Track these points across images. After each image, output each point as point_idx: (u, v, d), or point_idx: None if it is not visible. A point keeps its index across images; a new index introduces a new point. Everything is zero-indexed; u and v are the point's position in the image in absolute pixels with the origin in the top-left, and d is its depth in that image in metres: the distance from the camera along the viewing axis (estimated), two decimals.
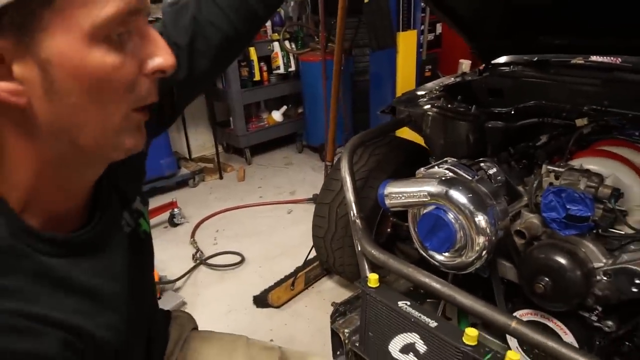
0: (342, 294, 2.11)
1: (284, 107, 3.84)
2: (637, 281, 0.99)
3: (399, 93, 3.02)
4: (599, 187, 1.08)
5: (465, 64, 3.98)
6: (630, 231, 1.10)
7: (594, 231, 1.10)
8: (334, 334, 1.37)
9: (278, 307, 2.06)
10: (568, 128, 1.56)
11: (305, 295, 2.14)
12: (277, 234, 2.64)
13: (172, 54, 0.53)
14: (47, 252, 0.53)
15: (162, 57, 0.52)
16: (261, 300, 2.05)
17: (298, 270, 2.16)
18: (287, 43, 3.56)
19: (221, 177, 3.44)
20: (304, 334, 1.92)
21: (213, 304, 2.07)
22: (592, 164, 1.20)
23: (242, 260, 2.39)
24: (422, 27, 3.41)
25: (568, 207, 1.07)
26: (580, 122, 1.52)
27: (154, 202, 2.81)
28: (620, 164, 1.17)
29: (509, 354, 0.92)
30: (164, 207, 2.74)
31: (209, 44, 0.76)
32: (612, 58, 1.74)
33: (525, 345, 1.21)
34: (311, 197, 2.99)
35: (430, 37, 4.22)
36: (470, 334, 0.96)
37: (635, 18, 1.52)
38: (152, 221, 2.69)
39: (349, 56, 3.58)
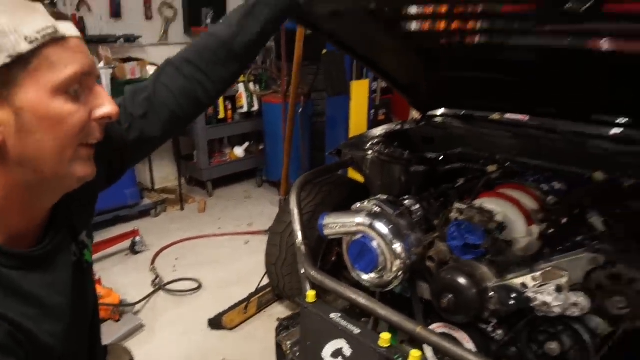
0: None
1: (246, 144, 4.08)
2: (512, 295, 1.25)
3: (351, 135, 3.32)
4: (489, 222, 1.36)
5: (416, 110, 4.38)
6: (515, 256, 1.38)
7: (487, 256, 1.37)
8: (278, 347, 1.57)
9: (231, 329, 2.23)
10: (482, 173, 1.87)
11: (257, 319, 2.32)
12: (234, 263, 2.82)
13: (115, 105, 0.71)
14: (3, 264, 0.65)
15: (107, 107, 0.70)
16: (216, 323, 2.21)
17: (251, 295, 2.34)
18: (251, 85, 3.84)
19: (182, 209, 3.60)
20: (254, 354, 2.09)
21: (170, 326, 2.22)
22: (489, 203, 1.48)
23: (200, 287, 2.55)
24: (375, 76, 3.75)
25: (465, 236, 1.34)
26: (491, 168, 1.83)
27: (117, 230, 2.95)
28: (509, 204, 1.46)
29: (413, 352, 1.16)
30: (126, 235, 2.87)
31: (159, 118, 0.93)
32: (521, 117, 2.09)
33: (436, 351, 1.44)
34: (267, 229, 3.19)
35: (383, 84, 4.60)
36: (384, 338, 1.19)
37: (540, 89, 1.87)
38: (115, 248, 2.82)
39: (308, 99, 3.88)
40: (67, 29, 0.66)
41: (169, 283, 2.54)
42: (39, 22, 0.62)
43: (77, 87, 0.66)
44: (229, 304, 2.29)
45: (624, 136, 1.77)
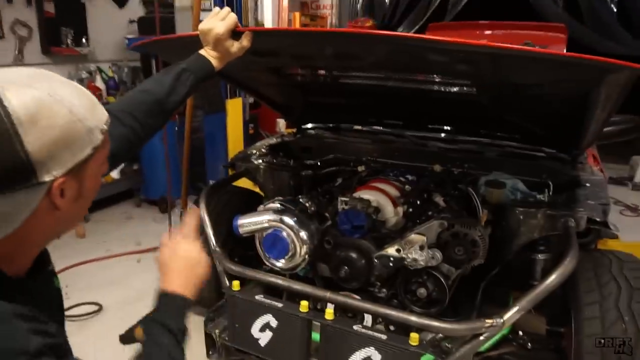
0: (200, 325, 2.47)
1: (121, 165, 4.04)
2: (391, 259, 1.69)
3: (230, 149, 3.59)
4: (367, 208, 1.79)
5: (281, 123, 4.78)
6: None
7: (368, 234, 1.80)
8: (208, 336, 1.79)
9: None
10: (354, 172, 2.32)
11: None
12: (131, 282, 2.86)
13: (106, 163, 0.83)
14: (28, 291, 0.77)
15: (106, 165, 0.83)
16: (128, 337, 2.26)
17: None
18: None
19: (57, 237, 3.45)
20: None
21: (79, 352, 2.22)
22: (365, 194, 1.91)
23: (100, 308, 2.57)
24: (245, 94, 4.06)
25: (352, 220, 1.75)
26: (360, 168, 2.30)
27: None
28: (380, 193, 1.92)
29: (328, 310, 1.51)
30: None
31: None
32: (379, 128, 2.62)
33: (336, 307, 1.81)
34: (158, 245, 3.27)
35: (251, 100, 4.93)
36: (303, 304, 1.53)
37: (389, 107, 2.40)
38: None
39: (183, 117, 4.02)
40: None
41: (67, 309, 2.50)
42: (103, 114, 0.76)
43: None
44: (136, 319, 2.38)
45: (450, 139, 2.39)
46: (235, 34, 1.29)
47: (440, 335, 1.57)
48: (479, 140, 2.31)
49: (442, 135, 2.41)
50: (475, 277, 1.85)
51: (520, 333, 1.90)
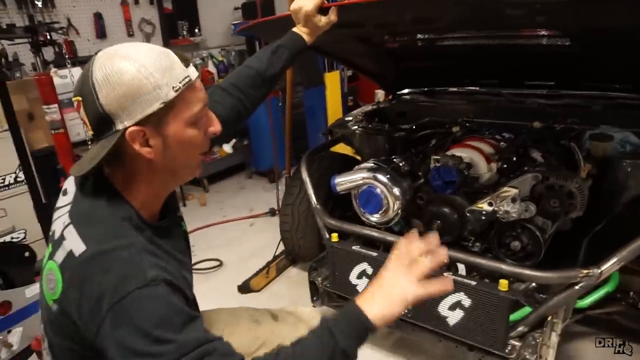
0: (304, 276, 2.71)
1: (233, 141, 4.43)
2: (483, 213, 1.72)
3: (330, 121, 3.75)
4: (459, 164, 1.83)
5: (380, 93, 4.85)
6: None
7: (461, 189, 1.84)
8: (312, 284, 1.99)
9: (258, 291, 2.63)
10: (449, 133, 2.34)
11: (278, 281, 2.73)
12: (245, 242, 3.21)
13: (219, 123, 0.97)
14: (153, 232, 0.93)
15: (216, 127, 0.97)
16: (245, 287, 2.61)
17: (269, 262, 2.75)
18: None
19: (184, 205, 3.94)
20: (285, 305, 2.50)
21: (204, 299, 2.56)
22: (458, 152, 1.95)
23: (221, 264, 2.93)
24: (343, 67, 4.19)
25: (443, 176, 1.81)
26: (454, 129, 2.31)
27: None
28: (473, 150, 1.94)
29: None
30: None
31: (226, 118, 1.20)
32: (474, 88, 2.59)
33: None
34: (268, 211, 3.60)
35: (349, 72, 5.05)
36: None
37: (484, 66, 2.36)
38: None
39: (285, 94, 4.28)
40: (193, 72, 0.90)
41: (194, 264, 2.91)
42: (180, 73, 0.86)
43: (200, 116, 0.92)
44: (251, 273, 2.69)
45: (551, 94, 2.29)
46: (322, 10, 1.42)
47: (533, 285, 1.59)
48: (583, 94, 2.19)
49: (542, 91, 2.32)
50: (579, 233, 1.81)
51: (632, 294, 1.83)
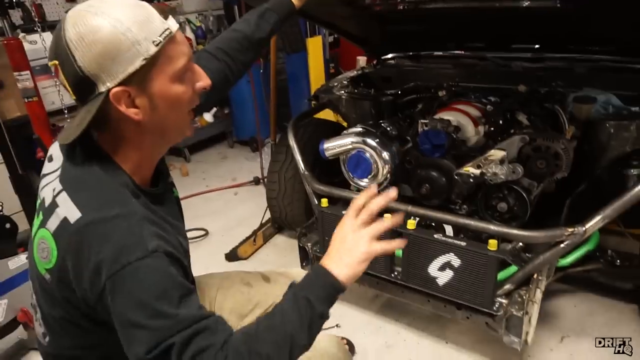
0: (291, 243, 2.73)
1: (214, 109, 4.35)
2: (472, 175, 1.74)
3: (312, 87, 3.71)
4: (447, 127, 1.83)
5: (362, 60, 4.79)
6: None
7: (450, 153, 1.85)
8: (301, 249, 2.00)
9: (246, 259, 2.63)
10: (435, 97, 2.34)
11: (265, 248, 2.74)
12: (230, 211, 3.19)
13: (208, 78, 0.94)
14: (148, 199, 0.91)
15: (204, 81, 0.93)
16: (232, 255, 2.61)
17: (256, 230, 2.75)
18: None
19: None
20: None
21: (192, 267, 2.59)
22: (446, 115, 1.95)
23: (207, 233, 2.92)
24: (325, 32, 4.11)
25: (432, 140, 1.81)
26: (441, 93, 2.30)
27: None
28: (460, 114, 1.94)
29: (409, 222, 1.63)
30: None
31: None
32: (460, 52, 2.57)
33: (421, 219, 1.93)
34: (252, 179, 3.57)
35: (331, 39, 4.96)
36: (386, 216, 1.65)
37: (469, 30, 2.34)
38: None
39: (266, 61, 4.19)
40: (173, 24, 0.85)
41: None
42: (159, 26, 0.82)
43: (185, 71, 0.87)
44: (238, 241, 2.69)
45: (536, 57, 2.29)
46: None
47: (520, 245, 1.63)
48: (567, 57, 2.20)
49: (527, 54, 2.32)
50: (561, 195, 1.85)
51: (609, 252, 1.89)
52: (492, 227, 1.54)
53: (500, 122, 1.97)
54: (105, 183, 0.85)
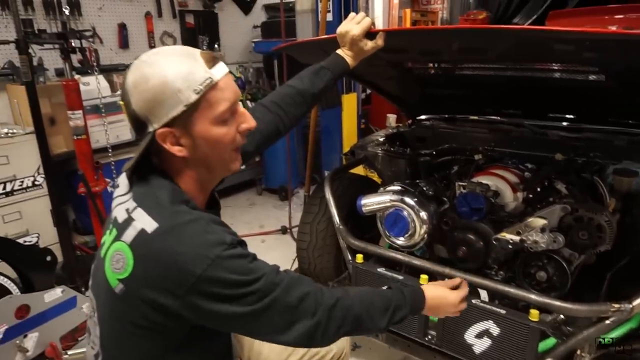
0: None
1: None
2: (510, 241, 1.73)
3: (345, 142, 3.78)
4: (486, 191, 1.84)
5: (392, 118, 4.91)
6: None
7: (487, 217, 1.85)
8: None
9: None
10: (471, 160, 2.36)
11: None
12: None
13: (253, 120, 1.01)
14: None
15: (249, 123, 1.00)
16: None
17: None
18: (248, 102, 4.25)
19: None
20: None
21: None
22: (484, 179, 1.96)
23: None
24: (359, 89, 4.23)
25: (470, 203, 1.82)
26: (477, 156, 2.33)
27: None
28: (498, 179, 1.95)
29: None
30: None
31: (254, 139, 1.25)
32: (496, 117, 2.62)
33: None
34: (279, 228, 3.59)
35: (363, 96, 5.12)
36: (423, 277, 1.65)
37: (507, 97, 2.40)
38: None
39: None
40: (219, 71, 0.92)
41: None
42: (201, 75, 0.89)
43: (229, 114, 0.95)
44: None
45: (574, 127, 2.32)
46: (369, 34, 1.45)
47: (561, 317, 1.58)
48: (606, 129, 2.22)
49: (564, 123, 2.35)
50: (602, 268, 1.81)
51: None
52: (534, 297, 1.51)
53: (539, 189, 1.97)
54: (172, 198, 0.93)
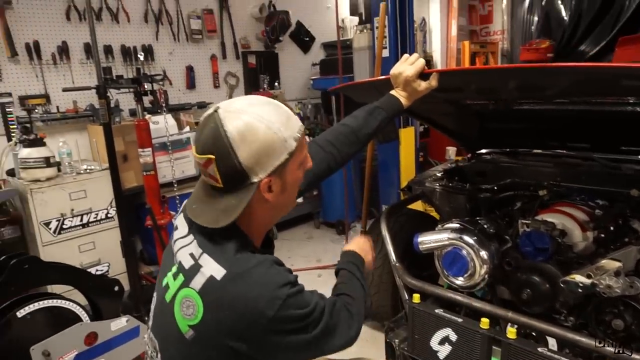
0: (372, 334, 2.63)
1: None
2: (580, 284, 1.61)
3: (402, 176, 3.75)
4: (552, 230, 1.74)
5: (451, 151, 4.81)
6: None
7: (554, 257, 1.74)
8: (389, 345, 1.93)
9: None
10: (535, 196, 2.25)
11: None
12: None
13: (311, 160, 1.06)
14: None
15: (309, 163, 1.05)
16: None
17: None
18: (306, 137, 4.35)
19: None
20: None
21: None
22: (549, 217, 1.86)
23: None
24: (417, 123, 4.21)
25: (534, 242, 1.73)
26: (541, 192, 2.22)
27: None
28: (566, 217, 1.84)
29: (510, 329, 1.52)
30: None
31: (305, 177, 1.18)
32: (561, 151, 2.49)
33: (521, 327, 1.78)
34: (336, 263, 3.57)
35: (421, 129, 5.08)
36: (484, 321, 1.57)
37: (573, 131, 2.29)
38: None
39: None
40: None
41: None
42: (296, 123, 0.96)
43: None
44: None
45: None
46: (423, 75, 1.45)
47: None
48: None
49: (639, 157, 2.19)
50: None
51: None
52: (610, 349, 1.38)
53: (612, 228, 1.83)
54: (241, 245, 0.95)
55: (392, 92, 1.49)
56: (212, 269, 0.91)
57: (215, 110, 0.94)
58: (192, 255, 0.96)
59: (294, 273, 0.98)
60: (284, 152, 0.92)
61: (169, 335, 0.97)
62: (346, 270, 1.25)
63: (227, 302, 0.88)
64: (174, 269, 1.00)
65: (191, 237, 1.00)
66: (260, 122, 0.90)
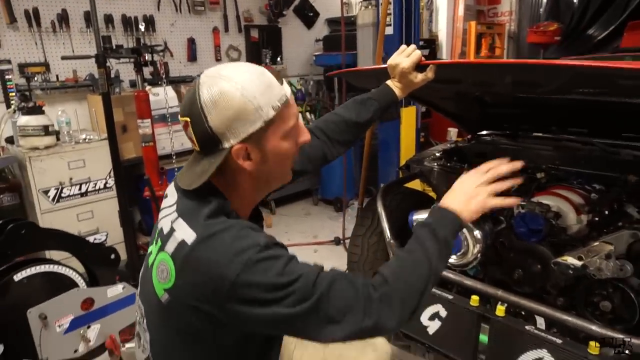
0: None
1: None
2: (571, 266, 1.62)
3: (402, 155, 3.74)
4: (547, 212, 1.75)
5: (452, 132, 4.78)
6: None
7: (547, 239, 1.75)
8: None
9: None
10: (532, 179, 2.25)
11: None
12: None
13: (308, 133, 1.05)
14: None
15: (306, 136, 1.04)
16: None
17: None
18: (307, 114, 4.33)
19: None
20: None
21: None
22: (545, 200, 1.86)
23: None
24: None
25: (528, 223, 1.73)
26: (539, 175, 2.22)
27: None
28: (561, 199, 1.85)
29: (499, 307, 1.54)
30: None
31: (300, 161, 1.20)
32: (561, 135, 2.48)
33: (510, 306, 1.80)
34: (333, 239, 3.60)
35: (423, 109, 5.04)
36: (474, 298, 1.58)
37: (573, 117, 2.27)
38: None
39: None
40: (287, 89, 0.96)
41: None
42: (277, 92, 0.93)
43: (293, 129, 0.99)
44: None
45: None
46: (419, 66, 1.43)
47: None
48: None
49: (638, 144, 2.18)
50: None
51: None
52: (596, 328, 1.40)
53: (606, 212, 1.83)
54: (217, 210, 0.94)
55: (388, 82, 1.47)
56: (185, 233, 0.91)
57: (199, 76, 0.95)
58: (170, 220, 0.97)
59: (290, 249, 0.93)
60: (258, 119, 0.91)
61: (151, 300, 0.99)
62: (416, 239, 1.02)
63: (194, 266, 0.88)
64: (156, 235, 1.01)
65: (175, 204, 1.00)
66: (236, 90, 0.89)
